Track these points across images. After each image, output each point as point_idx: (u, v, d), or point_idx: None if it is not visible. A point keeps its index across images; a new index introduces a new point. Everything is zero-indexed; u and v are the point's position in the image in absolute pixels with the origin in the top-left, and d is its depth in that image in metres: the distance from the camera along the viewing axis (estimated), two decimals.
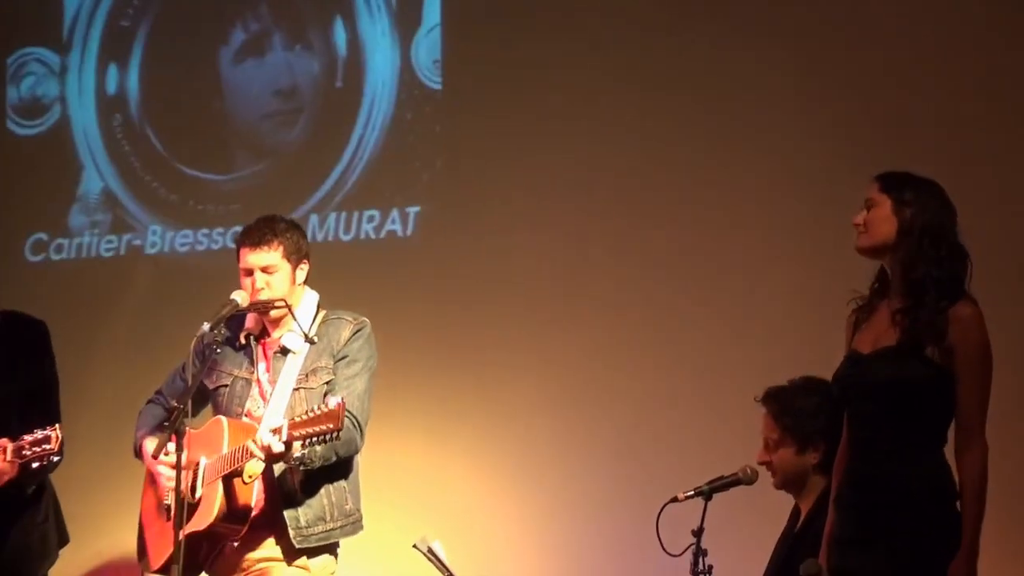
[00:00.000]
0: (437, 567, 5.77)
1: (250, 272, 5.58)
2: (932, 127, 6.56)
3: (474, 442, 7.05)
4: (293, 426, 5.22)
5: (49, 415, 5.70)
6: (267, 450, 5.27)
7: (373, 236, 7.41)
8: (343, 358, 5.60)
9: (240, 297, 5.53)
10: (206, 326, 5.39)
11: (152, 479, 5.66)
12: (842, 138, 6.60)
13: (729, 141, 6.83)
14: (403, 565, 6.14)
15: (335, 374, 5.57)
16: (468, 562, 5.98)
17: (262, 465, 5.39)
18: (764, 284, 6.64)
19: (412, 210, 7.36)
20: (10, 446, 5.49)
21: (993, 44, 6.57)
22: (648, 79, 6.99)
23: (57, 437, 5.48)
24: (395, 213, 7.40)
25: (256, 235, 5.63)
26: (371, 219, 7.43)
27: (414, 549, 5.79)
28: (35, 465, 5.50)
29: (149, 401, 5.83)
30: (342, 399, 5.26)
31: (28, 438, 5.47)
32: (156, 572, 5.60)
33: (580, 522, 6.84)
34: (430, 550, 5.76)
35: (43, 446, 5.48)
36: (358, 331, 5.65)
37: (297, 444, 5.25)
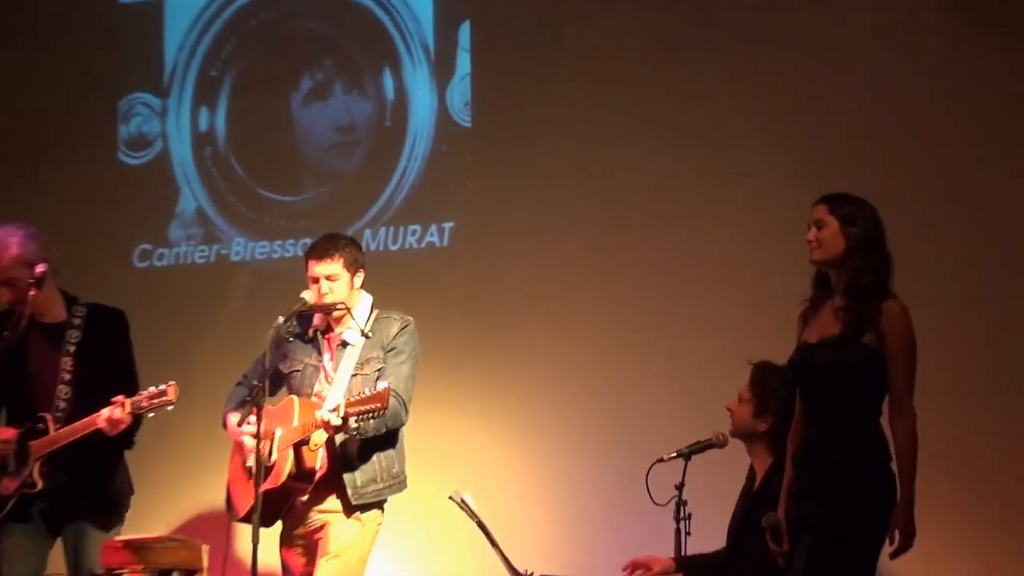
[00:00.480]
0: (468, 515, 5.81)
1: (316, 280, 5.65)
2: (873, 146, 6.61)
3: (498, 416, 7.07)
4: (349, 404, 5.33)
5: (131, 394, 5.73)
6: (327, 423, 5.39)
7: (416, 246, 7.40)
8: (391, 349, 5.67)
9: (308, 296, 5.62)
10: (280, 319, 5.49)
11: (238, 446, 5.72)
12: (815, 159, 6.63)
13: (727, 165, 6.85)
14: (440, 514, 6.18)
15: (385, 363, 5.64)
16: (493, 510, 5.98)
17: (325, 435, 5.48)
18: (739, 285, 6.68)
19: (447, 225, 7.37)
20: (128, 401, 5.59)
21: (941, 70, 6.60)
22: (647, 113, 7.00)
23: (175, 391, 5.57)
24: (434, 227, 7.39)
25: (321, 249, 5.70)
26: (414, 232, 7.42)
27: (449, 500, 5.83)
28: (151, 414, 5.61)
29: (237, 384, 5.89)
30: (389, 383, 5.39)
31: (145, 393, 5.58)
32: (240, 520, 5.68)
33: (584, 479, 6.88)
34: (463, 501, 5.82)
35: (161, 398, 5.58)
36: (404, 327, 5.72)
37: (352, 418, 5.35)
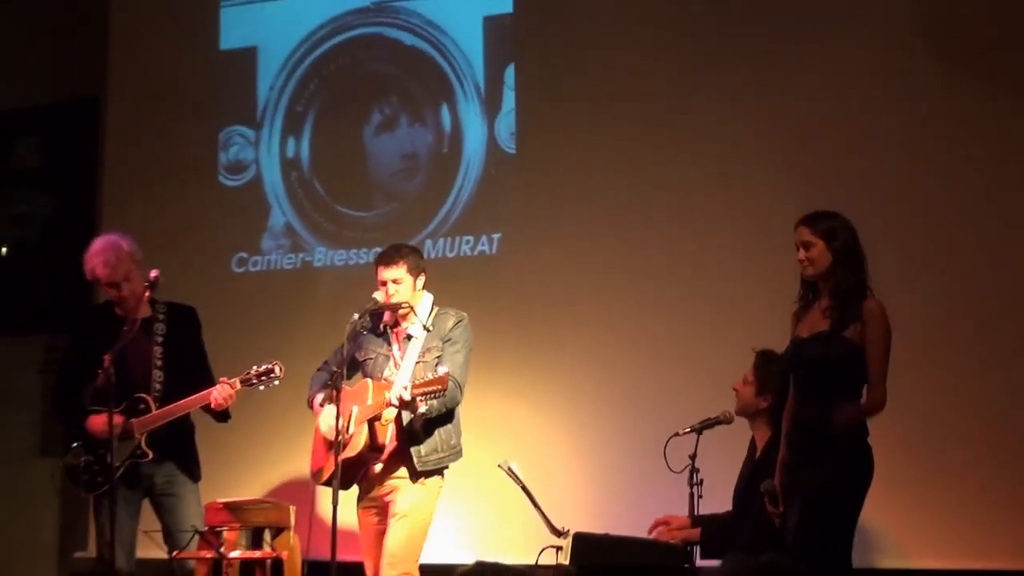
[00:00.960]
0: (514, 480, 5.82)
1: (384, 283, 5.69)
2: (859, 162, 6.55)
3: (540, 397, 7.04)
4: (415, 386, 5.39)
5: (209, 379, 5.86)
6: (399, 399, 5.43)
7: (469, 254, 7.38)
8: (448, 340, 5.72)
9: (378, 296, 5.69)
10: (356, 316, 5.57)
11: (320, 422, 5.76)
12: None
13: (741, 180, 6.78)
14: (490, 479, 6.16)
15: (443, 352, 5.68)
16: (535, 475, 5.99)
17: (394, 412, 5.54)
18: (753, 285, 6.60)
19: (496, 236, 7.35)
20: (237, 379, 5.66)
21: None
22: (669, 138, 6.96)
23: (282, 369, 5.70)
24: (484, 238, 7.38)
25: (387, 257, 5.76)
26: (468, 242, 7.41)
27: (498, 468, 5.86)
28: (261, 388, 5.69)
29: (318, 369, 5.92)
30: (448, 369, 5.43)
31: (254, 370, 5.69)
32: (321, 484, 5.72)
33: (611, 450, 6.87)
34: (510, 468, 5.83)
35: (270, 375, 5.68)
36: (459, 322, 5.76)
37: (418, 398, 5.39)
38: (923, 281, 6.35)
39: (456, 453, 5.77)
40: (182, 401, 5.75)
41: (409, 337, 5.78)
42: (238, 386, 5.71)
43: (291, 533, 6.20)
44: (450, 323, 5.77)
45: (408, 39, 7.66)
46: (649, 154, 6.98)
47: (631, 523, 5.91)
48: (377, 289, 5.73)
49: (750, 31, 6.84)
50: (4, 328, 8.19)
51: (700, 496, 5.51)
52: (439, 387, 5.39)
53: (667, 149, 6.94)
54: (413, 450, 5.62)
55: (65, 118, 8.65)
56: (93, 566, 6.35)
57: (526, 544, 5.72)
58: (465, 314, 5.83)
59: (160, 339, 5.88)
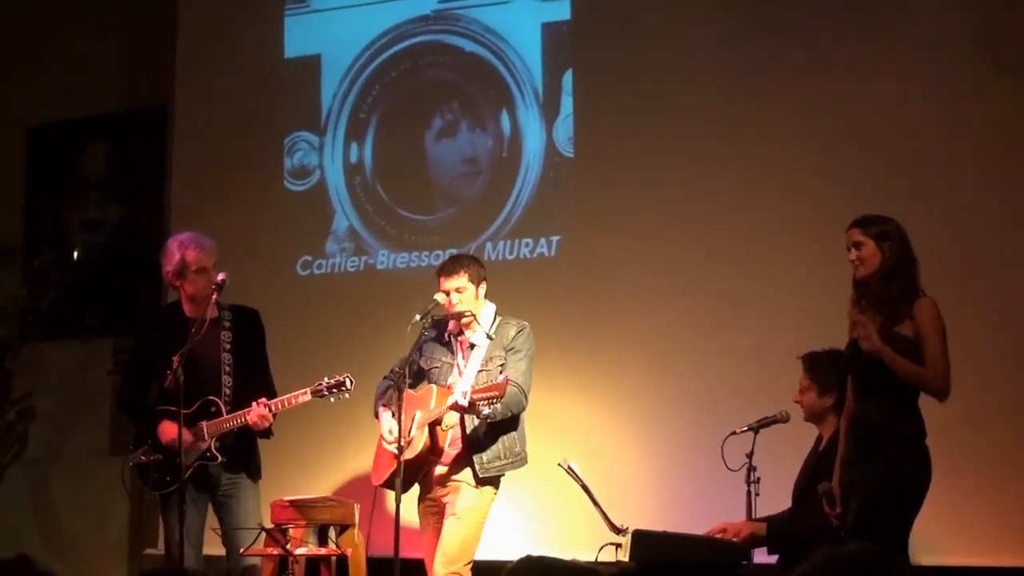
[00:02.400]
0: (574, 479, 5.85)
1: (447, 292, 5.76)
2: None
3: (599, 395, 7.04)
4: (474, 391, 5.47)
5: (270, 386, 5.97)
6: (457, 405, 5.50)
7: (528, 256, 7.39)
8: (511, 349, 5.78)
9: (440, 298, 5.75)
10: (417, 316, 5.63)
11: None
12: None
13: (791, 181, 6.79)
14: (551, 477, 6.17)
15: (506, 360, 5.74)
16: (595, 474, 6.03)
17: (456, 417, 5.62)
18: (813, 288, 6.56)
19: (555, 238, 7.36)
20: (308, 389, 5.73)
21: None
22: (720, 142, 6.96)
23: (352, 382, 5.73)
24: (543, 240, 7.39)
25: (449, 267, 5.85)
26: (527, 245, 7.42)
27: (558, 467, 5.90)
28: (332, 399, 5.74)
29: (384, 378, 5.99)
30: (507, 376, 5.50)
31: (325, 382, 5.73)
32: (382, 485, 5.81)
33: (669, 448, 6.88)
34: (570, 467, 5.86)
35: (341, 387, 5.72)
36: (520, 330, 5.84)
37: (483, 403, 5.43)
38: (979, 285, 6.35)
39: (520, 460, 5.84)
40: (233, 414, 5.82)
41: (472, 346, 5.85)
42: (309, 396, 5.76)
43: (355, 530, 6.26)
44: (512, 332, 5.84)
45: (468, 46, 7.71)
46: (706, 158, 6.99)
47: (689, 521, 5.95)
48: (437, 291, 5.81)
49: (810, 37, 6.84)
50: (75, 330, 8.29)
51: (757, 494, 5.55)
52: (496, 393, 5.44)
53: (725, 153, 6.95)
54: (475, 457, 5.70)
55: (134, 126, 8.78)
56: (162, 563, 6.42)
57: (586, 541, 5.75)
58: (527, 323, 5.90)
59: (228, 346, 5.97)
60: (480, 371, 5.76)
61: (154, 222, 8.45)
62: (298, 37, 8.14)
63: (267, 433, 5.91)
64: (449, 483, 5.77)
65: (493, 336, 5.80)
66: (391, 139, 7.86)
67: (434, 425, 5.64)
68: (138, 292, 8.28)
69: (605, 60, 7.34)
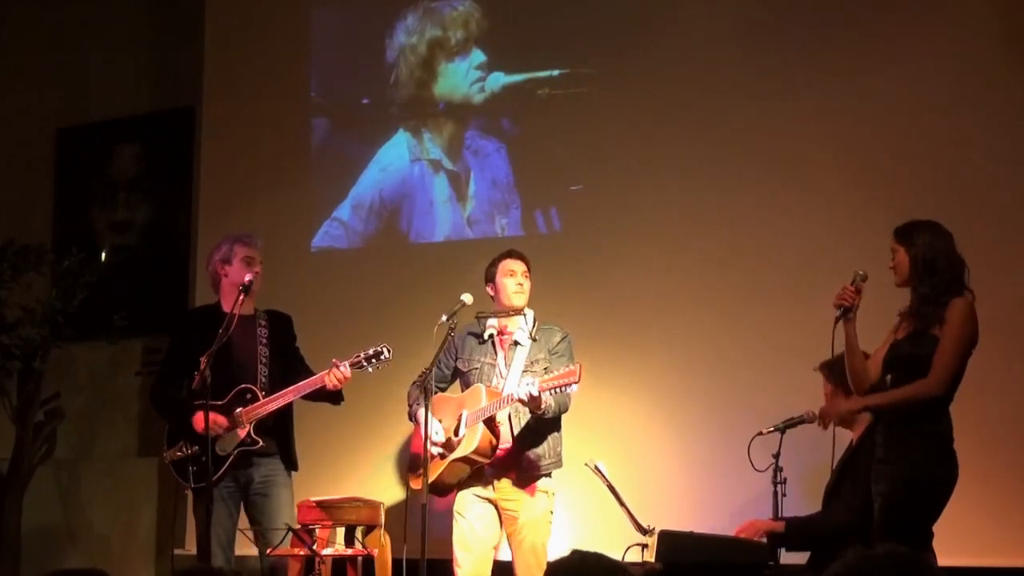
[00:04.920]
0: (601, 479, 5.88)
1: (514, 273, 5.84)
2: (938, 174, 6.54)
3: (625, 396, 6.99)
4: (544, 381, 5.47)
5: (307, 368, 6.02)
6: (528, 396, 5.48)
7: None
8: (556, 353, 5.81)
9: (467, 298, 5.69)
10: (444, 318, 5.60)
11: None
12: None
13: (818, 184, 6.77)
14: (577, 477, 6.19)
15: (551, 364, 5.74)
16: (621, 474, 6.05)
17: (507, 414, 5.65)
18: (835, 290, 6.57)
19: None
20: (345, 362, 5.74)
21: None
22: (749, 146, 6.93)
23: (391, 351, 5.75)
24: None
25: (517, 252, 5.96)
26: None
27: (585, 467, 5.93)
28: (371, 370, 5.76)
29: (413, 383, 5.94)
30: (579, 362, 5.49)
31: (363, 353, 5.76)
32: (431, 491, 5.68)
33: (696, 448, 6.85)
34: (596, 467, 5.89)
35: (380, 356, 5.74)
36: (564, 337, 5.91)
37: (546, 395, 5.45)
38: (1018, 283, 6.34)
39: (559, 462, 5.89)
40: (293, 387, 5.87)
41: (515, 344, 5.86)
42: (349, 371, 5.78)
43: (382, 530, 6.26)
44: (557, 338, 5.88)
45: None
46: (735, 158, 6.96)
47: (716, 521, 5.96)
48: (464, 292, 5.72)
49: (840, 39, 6.81)
50: (103, 331, 8.33)
51: (784, 495, 5.56)
52: (572, 379, 5.39)
53: (754, 154, 6.93)
54: (526, 455, 5.75)
55: (162, 127, 8.84)
56: (193, 563, 6.44)
57: (612, 541, 5.71)
58: (568, 332, 5.95)
59: (264, 340, 6.05)
60: (524, 371, 5.77)
61: (182, 223, 8.52)
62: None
63: (338, 396, 5.91)
64: (501, 484, 5.79)
65: (537, 338, 5.83)
66: None
67: (487, 422, 5.65)
68: (166, 293, 8.35)
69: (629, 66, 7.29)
